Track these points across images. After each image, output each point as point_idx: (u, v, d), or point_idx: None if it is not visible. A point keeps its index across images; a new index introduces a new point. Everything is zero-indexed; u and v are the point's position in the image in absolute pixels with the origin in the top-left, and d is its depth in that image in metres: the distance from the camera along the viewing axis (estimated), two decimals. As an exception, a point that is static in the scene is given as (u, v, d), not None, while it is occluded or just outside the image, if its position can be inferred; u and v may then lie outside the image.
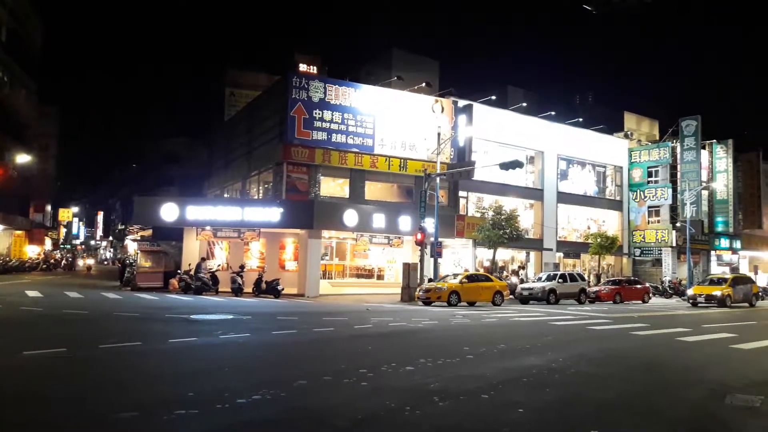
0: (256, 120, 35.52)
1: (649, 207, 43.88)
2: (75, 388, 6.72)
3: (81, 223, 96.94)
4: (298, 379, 7.29)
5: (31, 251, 50.71)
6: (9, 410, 5.63)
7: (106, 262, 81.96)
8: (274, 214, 28.17)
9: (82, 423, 5.28)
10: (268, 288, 26.07)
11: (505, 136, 36.91)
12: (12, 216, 45.73)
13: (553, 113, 40.74)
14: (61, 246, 75.54)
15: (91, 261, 62.83)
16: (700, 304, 27.51)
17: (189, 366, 8.55)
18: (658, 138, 48.40)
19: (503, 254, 36.82)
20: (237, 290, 25.86)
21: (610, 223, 43.73)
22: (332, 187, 32.26)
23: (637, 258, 44.20)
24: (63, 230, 79.90)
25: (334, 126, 30.94)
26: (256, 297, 25.63)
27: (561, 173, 40.95)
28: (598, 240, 37.88)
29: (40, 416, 5.44)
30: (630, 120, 48.56)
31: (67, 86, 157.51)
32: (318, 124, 30.57)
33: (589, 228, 42.31)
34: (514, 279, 32.32)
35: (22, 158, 39.51)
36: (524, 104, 39.39)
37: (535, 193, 39.47)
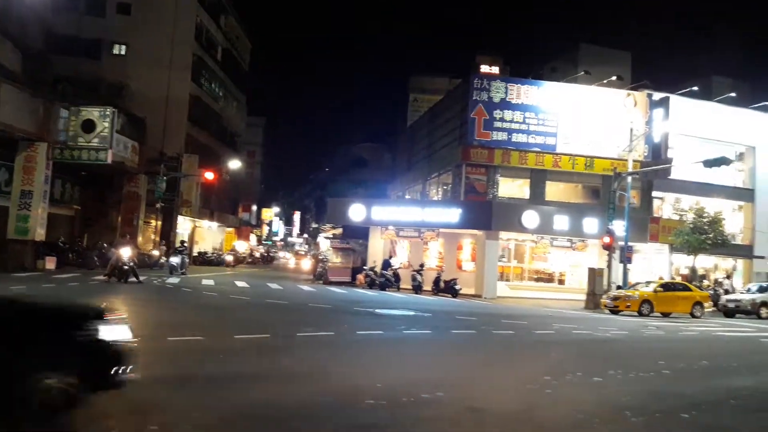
0: (437, 123, 36.23)
1: None
2: (282, 372, 7.47)
3: (280, 221, 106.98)
4: (476, 381, 7.32)
5: (239, 246, 57.00)
6: (230, 385, 6.45)
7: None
8: (452, 214, 28.59)
9: (291, 403, 5.87)
10: (446, 287, 26.48)
11: (708, 131, 33.13)
12: (225, 215, 52.13)
13: (768, 103, 35.65)
14: (264, 242, 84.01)
15: (300, 260, 66.31)
16: None
17: (377, 357, 9.05)
18: None
19: (704, 261, 33.14)
20: (417, 288, 26.73)
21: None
22: (511, 187, 31.71)
23: None
24: (265, 228, 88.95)
25: (514, 126, 30.42)
26: (435, 295, 26.16)
27: (779, 171, 35.65)
28: (828, 249, 32.36)
29: (256, 392, 6.15)
30: None
31: (270, 99, 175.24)
32: (498, 124, 30.27)
33: (815, 234, 36.26)
34: (718, 289, 28.97)
35: (234, 164, 44.80)
36: (733, 95, 35.07)
37: (744, 194, 34.95)
